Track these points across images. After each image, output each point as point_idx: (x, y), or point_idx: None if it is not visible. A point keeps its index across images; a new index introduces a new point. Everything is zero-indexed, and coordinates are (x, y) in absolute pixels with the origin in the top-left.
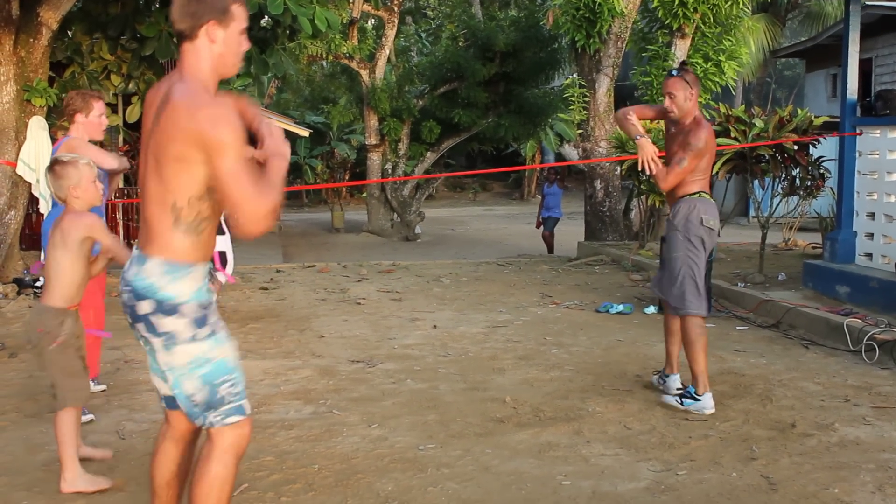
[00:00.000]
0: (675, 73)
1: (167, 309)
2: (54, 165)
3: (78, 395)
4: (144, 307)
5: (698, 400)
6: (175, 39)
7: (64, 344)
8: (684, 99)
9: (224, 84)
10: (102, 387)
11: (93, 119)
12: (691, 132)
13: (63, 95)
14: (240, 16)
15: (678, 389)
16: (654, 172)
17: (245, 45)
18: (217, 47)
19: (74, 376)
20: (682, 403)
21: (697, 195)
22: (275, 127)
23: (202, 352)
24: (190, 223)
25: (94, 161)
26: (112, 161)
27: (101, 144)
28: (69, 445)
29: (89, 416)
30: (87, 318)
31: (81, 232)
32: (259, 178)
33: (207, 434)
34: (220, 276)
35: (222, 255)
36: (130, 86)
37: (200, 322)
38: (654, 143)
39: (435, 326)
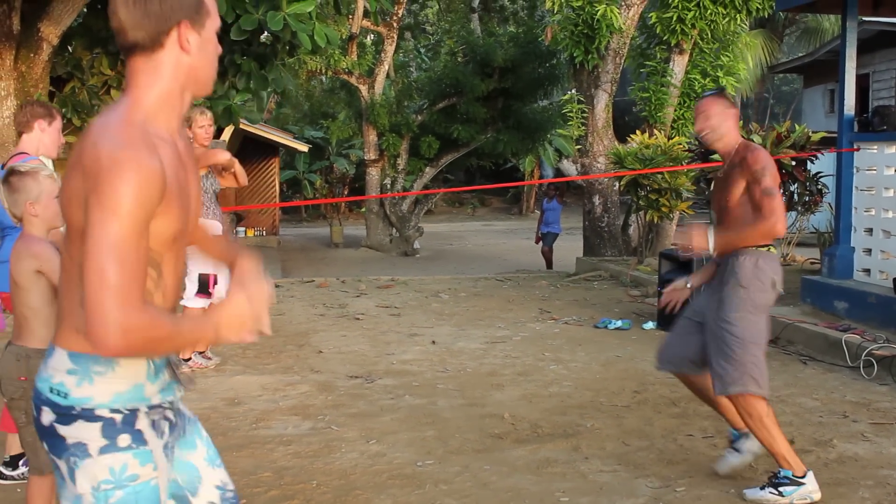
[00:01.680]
0: (707, 94)
1: (72, 415)
2: (10, 176)
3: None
4: (45, 417)
5: (801, 483)
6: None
7: None
8: (719, 124)
9: (225, 100)
10: None
11: (53, 131)
12: (750, 160)
13: (63, 110)
14: (214, 11)
15: (770, 480)
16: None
17: (218, 49)
18: (189, 58)
19: None
20: (783, 494)
21: (766, 248)
22: (255, 280)
23: (119, 467)
24: None
25: None
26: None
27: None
28: None
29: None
30: None
31: (30, 263)
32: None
33: None
34: (223, 291)
35: (212, 278)
36: None
37: (120, 427)
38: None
39: (434, 342)
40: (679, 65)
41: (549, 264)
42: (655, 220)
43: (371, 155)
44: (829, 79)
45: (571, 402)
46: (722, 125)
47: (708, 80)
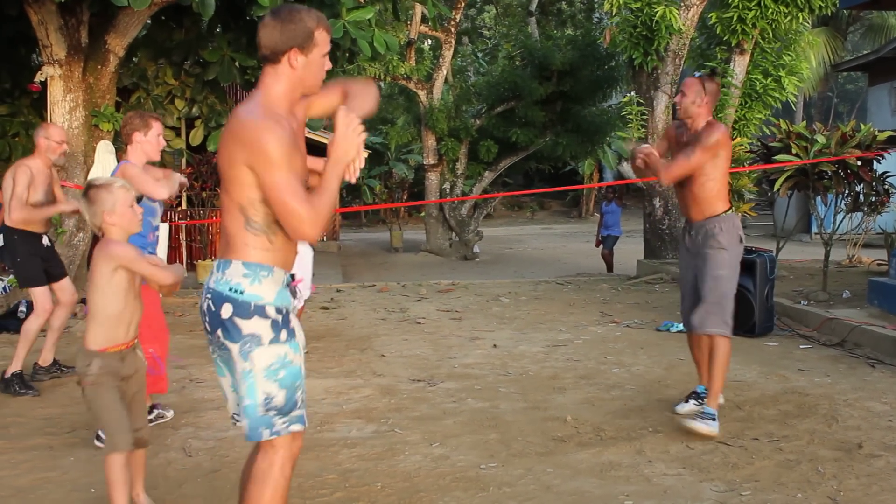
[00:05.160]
0: (696, 74)
1: (249, 311)
2: (88, 191)
3: (116, 441)
4: (226, 311)
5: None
6: (237, 63)
7: (97, 385)
8: (692, 102)
9: None
10: (170, 413)
11: (151, 139)
12: (703, 132)
13: None
14: (323, 41)
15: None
16: (651, 165)
17: (327, 65)
18: (297, 72)
19: (112, 420)
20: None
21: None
22: (350, 123)
23: (282, 355)
24: (259, 223)
25: (145, 191)
26: (162, 191)
27: (163, 164)
28: (118, 490)
29: (170, 413)
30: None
31: (109, 262)
32: (308, 191)
33: (264, 446)
34: (305, 292)
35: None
36: (194, 110)
37: (281, 325)
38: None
39: (495, 345)
40: (740, 65)
41: (610, 267)
42: None
43: (430, 159)
44: (895, 76)
45: (634, 405)
46: (691, 107)
47: (769, 79)
